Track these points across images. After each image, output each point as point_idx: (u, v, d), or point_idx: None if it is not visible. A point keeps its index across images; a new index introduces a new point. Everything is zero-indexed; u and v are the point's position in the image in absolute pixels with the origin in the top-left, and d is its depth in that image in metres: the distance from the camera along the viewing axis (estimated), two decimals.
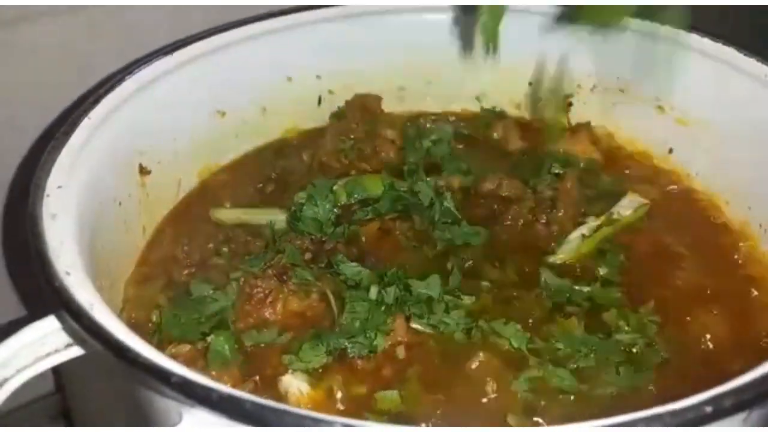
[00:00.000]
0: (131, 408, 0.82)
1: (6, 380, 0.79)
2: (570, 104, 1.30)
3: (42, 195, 0.88)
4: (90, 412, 1.25)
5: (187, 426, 0.70)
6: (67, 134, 0.96)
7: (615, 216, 1.10)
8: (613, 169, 1.22)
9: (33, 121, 1.20)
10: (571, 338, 0.92)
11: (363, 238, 1.07)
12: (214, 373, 0.87)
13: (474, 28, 1.21)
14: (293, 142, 1.28)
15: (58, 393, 1.37)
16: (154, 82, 1.09)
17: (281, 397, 0.87)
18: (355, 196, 1.12)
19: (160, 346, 0.90)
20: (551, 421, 0.84)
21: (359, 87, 1.29)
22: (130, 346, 0.71)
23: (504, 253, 1.05)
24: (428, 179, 1.13)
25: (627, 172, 1.22)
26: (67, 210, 0.87)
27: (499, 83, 1.31)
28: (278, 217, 1.09)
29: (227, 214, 1.13)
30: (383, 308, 0.93)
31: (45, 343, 0.81)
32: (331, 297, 0.96)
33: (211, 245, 1.08)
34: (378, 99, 1.29)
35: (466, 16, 1.26)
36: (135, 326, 0.94)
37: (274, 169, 1.22)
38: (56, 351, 0.81)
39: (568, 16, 1.21)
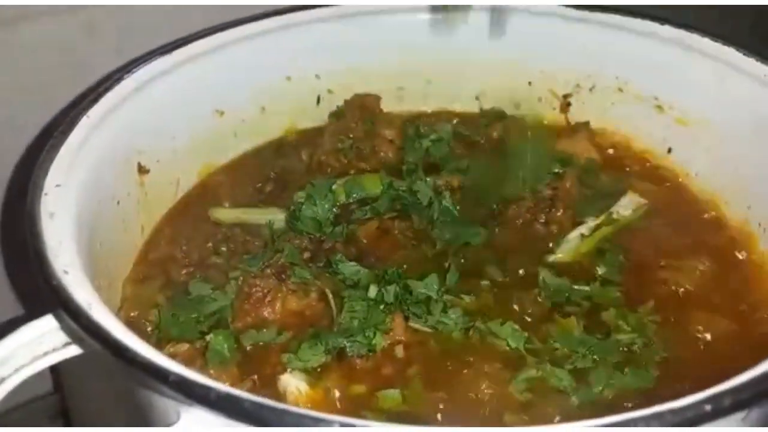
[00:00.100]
0: (130, 407, 0.81)
1: (4, 379, 0.79)
2: (569, 104, 1.30)
3: (40, 194, 0.88)
4: (89, 412, 1.24)
5: (185, 425, 0.69)
6: (66, 133, 0.96)
7: (614, 216, 1.10)
8: (612, 168, 1.22)
9: (33, 121, 1.20)
10: (569, 338, 0.91)
11: (362, 238, 1.06)
12: (212, 372, 0.87)
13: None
14: (292, 142, 1.28)
15: (57, 392, 1.37)
16: (152, 81, 1.09)
17: (280, 396, 0.86)
18: (354, 195, 1.12)
19: (159, 346, 0.90)
20: (550, 421, 0.84)
21: (358, 86, 1.29)
22: (128, 346, 0.71)
23: (503, 253, 1.04)
24: (427, 179, 1.13)
25: (626, 171, 1.22)
26: (66, 209, 0.87)
27: (498, 83, 1.31)
28: (277, 217, 1.09)
29: (226, 214, 1.12)
30: (382, 307, 0.93)
31: (43, 342, 0.81)
32: (330, 296, 0.96)
33: (209, 244, 1.08)
34: (377, 98, 1.29)
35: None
36: (133, 325, 0.94)
37: (272, 168, 1.21)
38: (54, 350, 0.81)
39: None
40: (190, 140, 1.18)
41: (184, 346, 0.90)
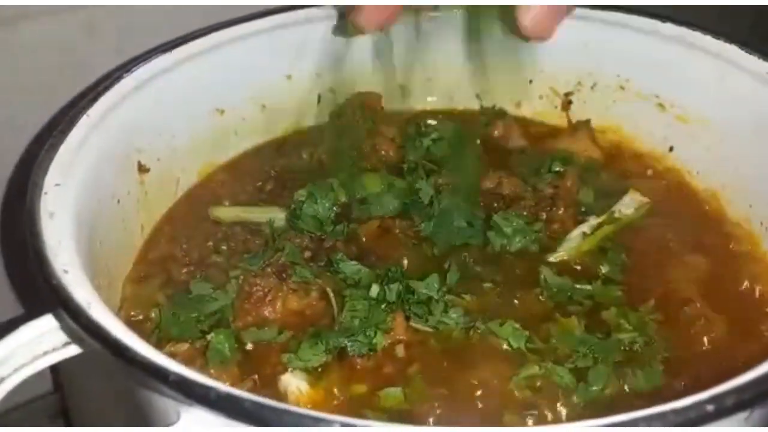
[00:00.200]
0: (130, 407, 0.81)
1: (3, 379, 0.79)
2: (570, 102, 1.30)
3: (40, 193, 0.88)
4: (89, 412, 1.24)
5: (185, 425, 0.69)
6: (65, 132, 0.96)
7: (616, 214, 1.09)
8: (614, 167, 1.22)
9: (32, 121, 1.20)
10: (570, 338, 0.91)
11: (363, 237, 1.06)
12: (213, 371, 0.87)
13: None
14: (293, 141, 1.27)
15: (57, 392, 1.37)
16: (152, 79, 1.09)
17: (280, 396, 0.86)
18: (355, 194, 1.12)
19: (159, 345, 0.90)
20: (550, 420, 0.83)
21: (359, 85, 1.28)
22: (128, 345, 0.71)
23: (504, 252, 1.04)
24: (428, 178, 1.13)
25: (627, 170, 1.22)
26: (65, 208, 0.87)
27: (499, 81, 1.31)
28: (277, 216, 1.09)
29: (226, 213, 1.12)
30: (383, 306, 0.92)
31: (42, 342, 0.80)
32: (331, 295, 0.95)
33: (210, 243, 1.07)
34: (378, 97, 1.28)
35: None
36: (133, 325, 0.94)
37: (273, 167, 1.21)
38: (54, 349, 0.81)
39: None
40: (190, 139, 1.17)
41: (184, 346, 0.90)
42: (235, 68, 1.19)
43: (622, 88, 1.25)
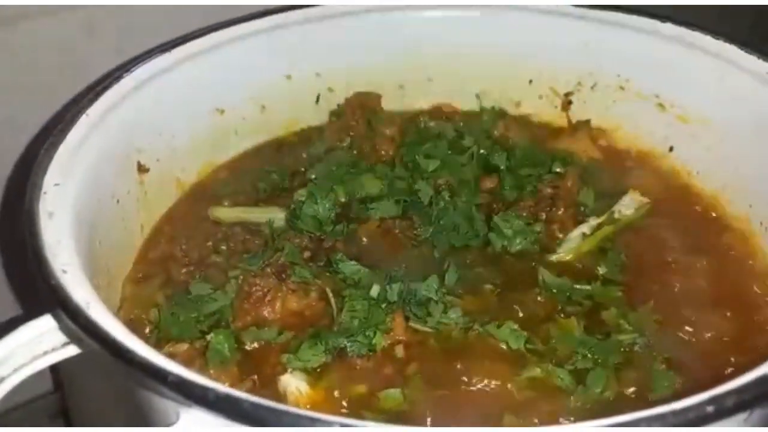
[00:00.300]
0: (130, 407, 0.81)
1: (3, 379, 0.79)
2: (570, 102, 1.30)
3: (39, 193, 0.87)
4: (89, 411, 1.24)
5: (184, 425, 0.69)
6: (65, 132, 0.96)
7: (616, 215, 1.09)
8: (614, 167, 1.21)
9: (32, 121, 1.20)
10: (569, 339, 0.91)
11: (362, 237, 1.06)
12: (212, 372, 0.87)
13: None
14: (293, 140, 1.27)
15: (57, 392, 1.37)
16: (152, 79, 1.09)
17: (280, 397, 0.86)
18: (355, 194, 1.12)
19: (158, 345, 0.90)
20: (550, 421, 0.83)
21: (359, 85, 1.28)
22: (127, 346, 0.71)
23: (504, 252, 1.04)
24: (428, 178, 1.12)
25: (627, 170, 1.21)
26: (65, 208, 0.87)
27: (499, 81, 1.31)
28: (277, 216, 1.09)
29: (226, 213, 1.12)
30: (383, 306, 0.92)
31: (42, 342, 0.80)
32: (330, 295, 0.95)
33: (209, 243, 1.07)
34: (378, 97, 1.28)
35: None
36: (133, 325, 0.94)
37: (273, 167, 1.21)
38: (53, 350, 0.81)
39: None
40: (190, 139, 1.17)
41: (184, 346, 0.90)
42: (235, 68, 1.19)
43: (622, 88, 1.25)
